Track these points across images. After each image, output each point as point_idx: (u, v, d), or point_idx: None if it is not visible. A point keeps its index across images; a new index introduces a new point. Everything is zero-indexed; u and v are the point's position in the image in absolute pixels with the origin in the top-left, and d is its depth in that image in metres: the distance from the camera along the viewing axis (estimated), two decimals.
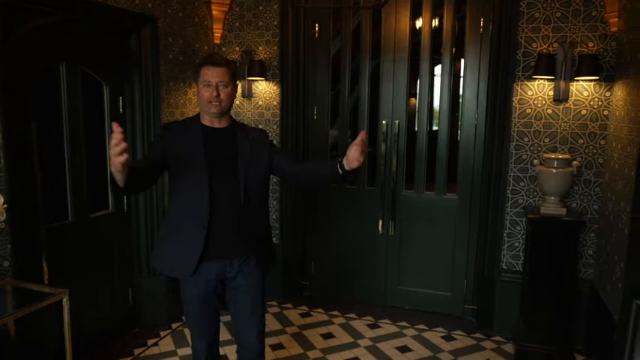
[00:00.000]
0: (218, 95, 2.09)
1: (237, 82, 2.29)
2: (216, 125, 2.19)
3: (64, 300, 2.34)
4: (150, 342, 3.38)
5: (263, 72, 3.90)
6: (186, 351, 3.28)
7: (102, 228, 3.26)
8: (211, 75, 2.09)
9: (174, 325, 3.61)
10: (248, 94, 3.99)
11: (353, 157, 1.98)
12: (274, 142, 3.39)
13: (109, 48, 3.22)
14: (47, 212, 2.78)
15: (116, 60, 3.26)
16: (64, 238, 2.96)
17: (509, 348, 3.39)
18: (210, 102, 2.10)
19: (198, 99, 2.17)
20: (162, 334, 3.50)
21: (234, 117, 2.32)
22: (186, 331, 3.53)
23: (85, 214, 3.10)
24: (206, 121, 2.19)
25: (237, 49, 3.99)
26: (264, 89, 3.98)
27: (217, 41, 4.00)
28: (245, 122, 3.24)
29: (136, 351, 3.26)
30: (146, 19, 3.27)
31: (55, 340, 2.48)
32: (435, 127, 4.41)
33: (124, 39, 3.29)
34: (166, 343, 3.38)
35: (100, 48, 3.16)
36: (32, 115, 2.67)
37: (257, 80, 3.96)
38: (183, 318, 3.69)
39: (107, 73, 3.21)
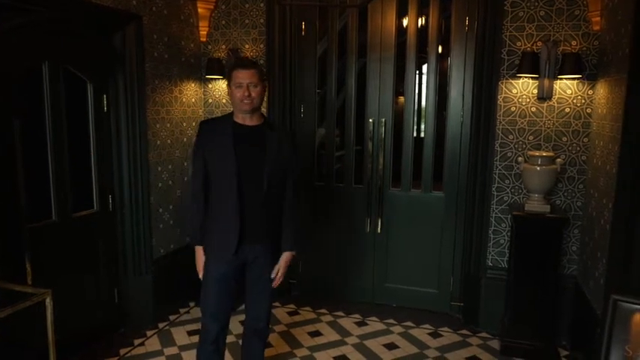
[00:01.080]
0: (249, 95, 2.28)
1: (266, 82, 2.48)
2: (248, 123, 2.37)
3: (47, 300, 2.33)
4: (136, 342, 3.36)
5: None
6: (173, 350, 3.26)
7: (86, 227, 3.22)
8: (242, 77, 2.28)
9: (160, 325, 3.60)
10: None
11: (277, 276, 2.46)
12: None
13: (93, 46, 3.19)
14: (30, 211, 2.75)
15: (100, 58, 3.23)
16: (47, 238, 2.93)
17: (494, 344, 3.42)
18: (242, 101, 2.29)
19: (231, 99, 2.36)
20: (149, 333, 3.47)
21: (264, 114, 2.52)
22: (173, 331, 3.52)
23: (68, 213, 3.07)
24: (239, 118, 2.37)
25: (224, 47, 3.98)
26: None
27: (203, 39, 3.98)
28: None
29: (122, 351, 3.24)
30: (130, 16, 3.24)
31: (39, 341, 2.45)
32: (421, 126, 4.43)
33: (108, 37, 3.25)
34: (153, 343, 3.36)
35: (83, 46, 3.13)
36: (15, 113, 2.64)
37: None
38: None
39: (91, 72, 3.17)
